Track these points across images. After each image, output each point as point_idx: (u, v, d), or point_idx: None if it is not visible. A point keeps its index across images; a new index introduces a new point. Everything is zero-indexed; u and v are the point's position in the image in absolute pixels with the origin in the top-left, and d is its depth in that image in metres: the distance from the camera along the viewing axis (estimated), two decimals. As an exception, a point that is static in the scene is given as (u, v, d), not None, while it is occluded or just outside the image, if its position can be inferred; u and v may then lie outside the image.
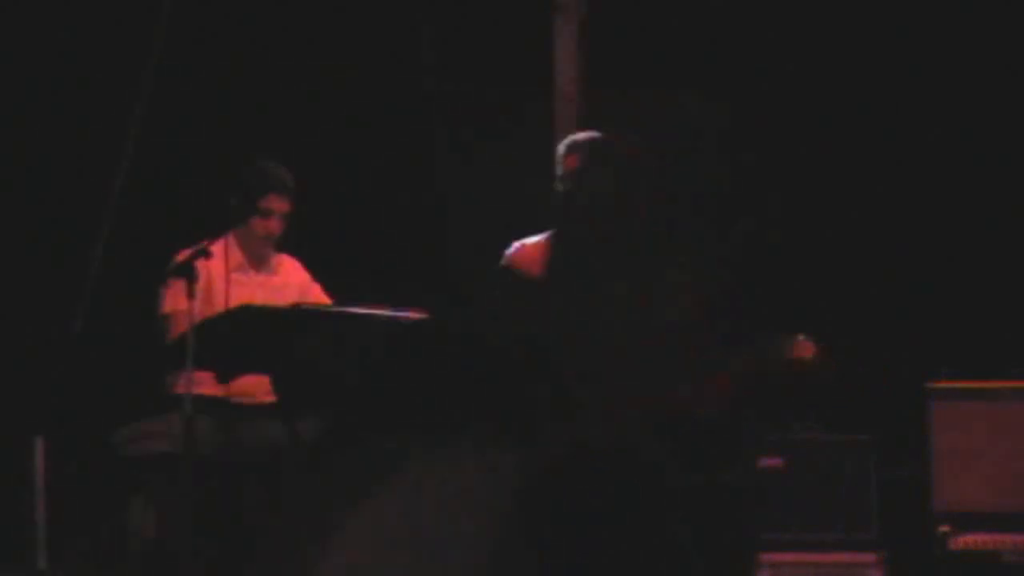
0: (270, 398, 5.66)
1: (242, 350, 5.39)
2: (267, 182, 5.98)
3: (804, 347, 5.55)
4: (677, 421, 5.52)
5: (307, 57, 7.36)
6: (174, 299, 5.75)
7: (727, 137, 7.06)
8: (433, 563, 5.06)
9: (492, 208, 7.17)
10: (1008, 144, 7.29)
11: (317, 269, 6.22)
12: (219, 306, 5.71)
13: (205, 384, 5.58)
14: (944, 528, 6.40)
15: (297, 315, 5.34)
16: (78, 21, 7.30)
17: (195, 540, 5.05)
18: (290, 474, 5.35)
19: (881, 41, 7.32)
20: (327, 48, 7.38)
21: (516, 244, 5.76)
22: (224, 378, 5.62)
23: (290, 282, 6.11)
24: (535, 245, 5.71)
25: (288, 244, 6.14)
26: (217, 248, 5.74)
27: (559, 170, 5.78)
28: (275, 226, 6.00)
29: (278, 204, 5.98)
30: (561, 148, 5.83)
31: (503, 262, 5.73)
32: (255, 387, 5.76)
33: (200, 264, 5.43)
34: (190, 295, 5.25)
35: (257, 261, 6.06)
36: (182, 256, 5.48)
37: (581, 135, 5.90)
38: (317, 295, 6.13)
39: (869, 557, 6.47)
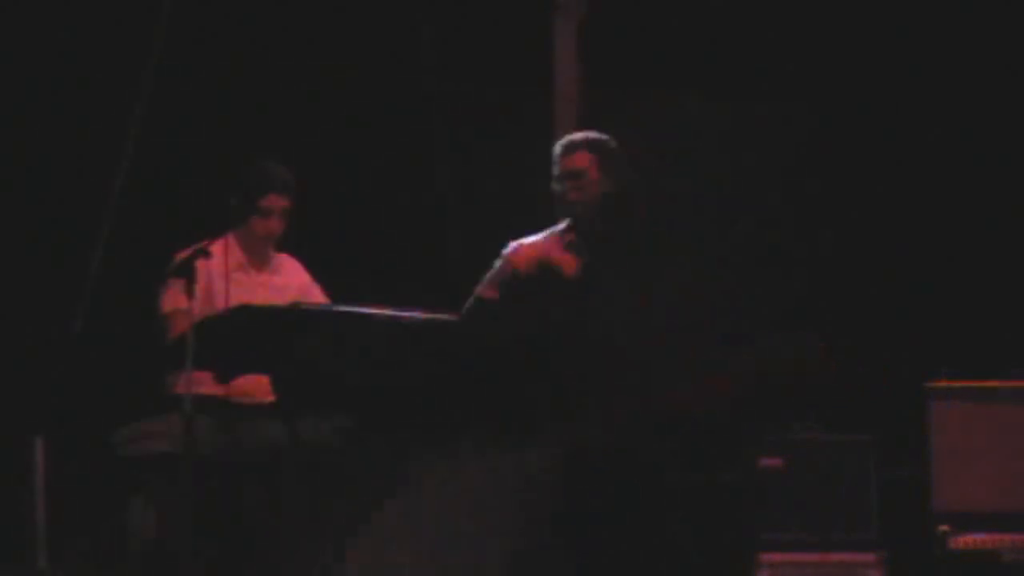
0: (270, 398, 5.66)
1: (242, 350, 5.38)
2: (267, 182, 5.98)
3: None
4: (677, 421, 5.52)
5: (307, 57, 7.35)
6: (174, 299, 5.74)
7: (727, 137, 7.06)
8: (448, 562, 5.07)
9: (492, 208, 7.17)
10: (1008, 144, 7.30)
11: (317, 269, 6.22)
12: (220, 306, 5.71)
13: (205, 384, 5.58)
14: (944, 528, 6.40)
15: (297, 315, 5.33)
16: (78, 21, 7.29)
17: (195, 540, 5.04)
18: (292, 474, 5.35)
19: (881, 41, 7.32)
20: (327, 48, 7.38)
21: (514, 244, 5.76)
22: (224, 378, 5.61)
23: (291, 283, 6.10)
24: (533, 245, 5.71)
25: (288, 244, 6.14)
26: (217, 248, 5.74)
27: (557, 170, 5.78)
28: (275, 225, 6.00)
29: (278, 203, 5.98)
30: (558, 148, 5.83)
31: (502, 262, 5.73)
32: (255, 387, 5.76)
33: (201, 264, 5.42)
34: (190, 295, 5.25)
35: (258, 261, 6.06)
36: (182, 256, 5.48)
37: (579, 135, 5.90)
38: (317, 297, 6.12)
39: (869, 557, 6.47)
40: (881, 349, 7.17)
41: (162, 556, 5.51)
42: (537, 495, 5.10)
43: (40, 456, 6.41)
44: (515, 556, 5.12)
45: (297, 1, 7.41)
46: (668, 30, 7.39)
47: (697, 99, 7.04)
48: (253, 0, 7.40)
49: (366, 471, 5.35)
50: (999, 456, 6.51)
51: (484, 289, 5.68)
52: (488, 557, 5.13)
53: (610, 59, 7.35)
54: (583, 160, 5.67)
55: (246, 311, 5.32)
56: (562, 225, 5.76)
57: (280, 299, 5.78)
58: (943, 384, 6.57)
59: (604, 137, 5.77)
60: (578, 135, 5.90)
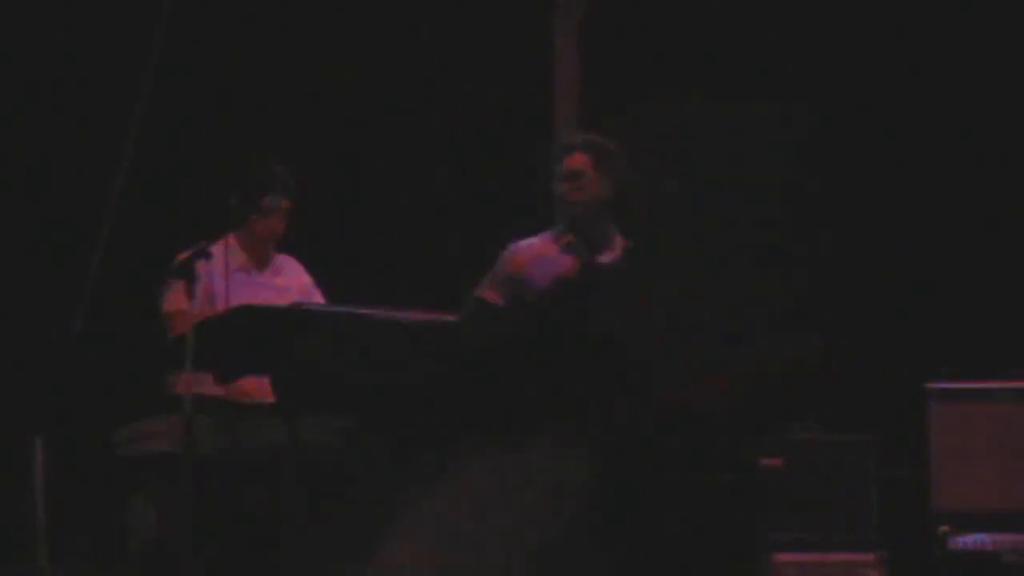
0: (270, 398, 5.66)
1: (242, 350, 5.38)
2: (267, 181, 5.98)
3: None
4: (677, 421, 5.52)
5: (307, 57, 7.36)
6: (175, 300, 5.74)
7: (727, 137, 7.06)
8: (449, 562, 5.07)
9: (492, 208, 7.17)
10: (1008, 144, 7.30)
11: (317, 269, 6.22)
12: (220, 307, 5.71)
13: (205, 384, 5.58)
14: (944, 528, 6.40)
15: (297, 315, 5.33)
16: (78, 21, 7.29)
17: (195, 540, 5.04)
18: (291, 474, 5.35)
19: (881, 41, 7.33)
20: (327, 48, 7.38)
21: (514, 244, 5.76)
22: (224, 378, 5.61)
23: (292, 283, 6.10)
24: (531, 246, 5.71)
25: (288, 244, 6.14)
26: (218, 249, 5.74)
27: (556, 171, 5.78)
28: (276, 225, 6.00)
29: (279, 203, 5.98)
30: (558, 149, 5.83)
31: (501, 262, 5.73)
32: (255, 387, 5.76)
33: (202, 264, 5.42)
34: (190, 296, 5.25)
35: (259, 261, 6.06)
36: (182, 257, 5.48)
37: (578, 136, 5.90)
38: (318, 300, 6.12)
39: (869, 557, 6.47)
40: (881, 349, 7.17)
41: (162, 556, 5.51)
42: (537, 495, 5.10)
43: (40, 456, 6.41)
44: (515, 556, 5.12)
45: (297, 1, 7.41)
46: (668, 30, 7.39)
47: (697, 99, 7.04)
48: (253, 0, 7.41)
49: (367, 471, 5.35)
50: (999, 456, 6.51)
51: (484, 290, 5.68)
52: (488, 557, 5.13)
53: (610, 59, 7.35)
54: (581, 161, 5.67)
55: (246, 311, 5.32)
56: (560, 226, 5.76)
57: (281, 300, 5.78)
58: (943, 384, 6.58)
59: (602, 138, 5.77)
60: (577, 136, 5.90)
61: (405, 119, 7.46)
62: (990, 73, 7.28)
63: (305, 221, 6.13)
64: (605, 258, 5.62)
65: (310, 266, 6.21)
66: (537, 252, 5.66)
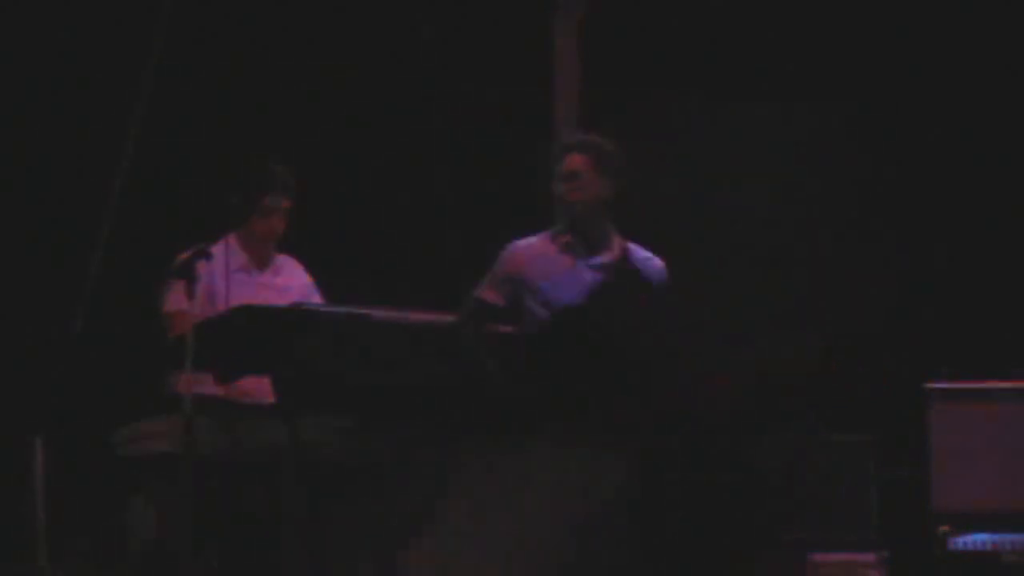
0: (270, 398, 5.66)
1: (242, 350, 5.38)
2: (267, 181, 5.98)
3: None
4: (678, 420, 5.52)
5: (307, 57, 7.36)
6: (176, 300, 5.74)
7: (727, 137, 7.06)
8: (450, 562, 5.08)
9: (492, 208, 7.18)
10: (1008, 144, 7.30)
11: (317, 269, 6.22)
12: (220, 307, 5.71)
13: (205, 384, 5.58)
14: (944, 528, 6.40)
15: (298, 315, 5.33)
16: (78, 21, 7.30)
17: (195, 540, 5.04)
18: (291, 474, 5.35)
19: (881, 41, 7.33)
20: (327, 48, 7.39)
21: (513, 244, 5.76)
22: (224, 378, 5.61)
23: (292, 284, 6.10)
24: (532, 245, 5.71)
25: (288, 244, 6.14)
26: (218, 249, 5.74)
27: (556, 170, 5.78)
28: (276, 225, 6.00)
29: (279, 203, 5.98)
30: (557, 149, 5.83)
31: (499, 261, 5.72)
32: (255, 387, 5.75)
33: (203, 264, 5.42)
34: (190, 296, 5.25)
35: (259, 261, 6.06)
36: (183, 257, 5.48)
37: (576, 136, 5.90)
38: (317, 301, 6.12)
39: (869, 557, 6.47)
40: (881, 349, 7.17)
41: (162, 556, 5.51)
42: (538, 495, 5.10)
43: (40, 456, 6.41)
44: (514, 556, 5.12)
45: (297, 1, 7.41)
46: (668, 30, 7.39)
47: (697, 99, 7.04)
48: (253, 0, 7.41)
49: (367, 472, 5.35)
50: (999, 456, 6.51)
51: (483, 290, 5.68)
52: (490, 557, 5.13)
53: (610, 59, 7.35)
54: (580, 161, 5.67)
55: (246, 312, 5.32)
56: (559, 226, 5.76)
57: (281, 300, 5.78)
58: (943, 384, 6.58)
59: (602, 138, 5.77)
60: (576, 136, 5.90)
61: (405, 119, 7.47)
62: (990, 73, 7.28)
63: (305, 221, 6.13)
64: (604, 258, 5.62)
65: (310, 266, 6.21)
66: (536, 252, 5.66)
